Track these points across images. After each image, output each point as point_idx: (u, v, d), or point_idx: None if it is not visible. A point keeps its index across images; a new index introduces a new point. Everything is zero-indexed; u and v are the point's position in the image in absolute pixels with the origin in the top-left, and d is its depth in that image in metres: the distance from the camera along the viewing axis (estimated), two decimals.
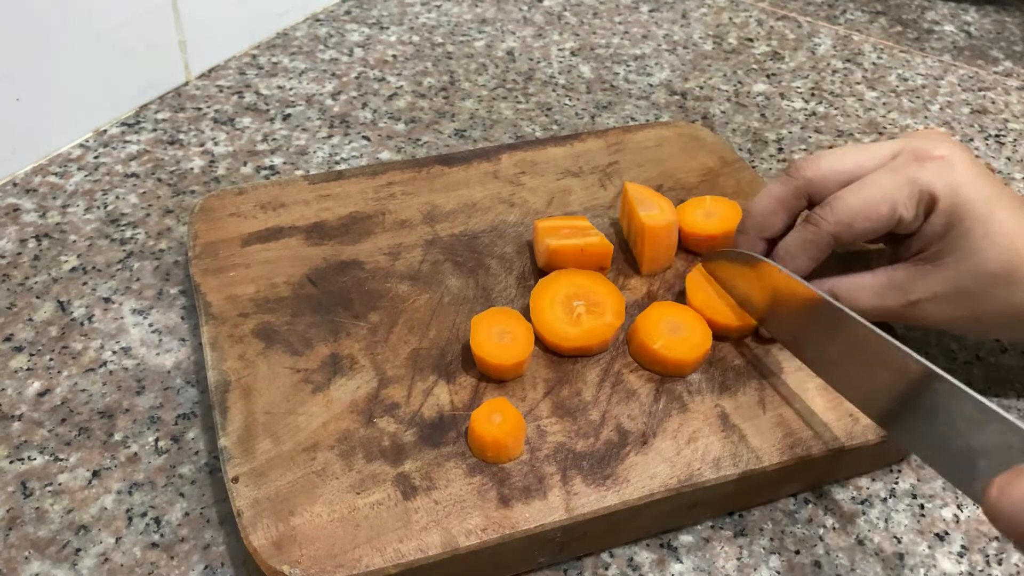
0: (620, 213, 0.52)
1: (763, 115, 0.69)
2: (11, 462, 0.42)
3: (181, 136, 0.62)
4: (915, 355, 0.35)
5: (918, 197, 0.40)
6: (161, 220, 0.55)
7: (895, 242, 0.43)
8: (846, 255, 0.47)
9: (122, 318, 0.49)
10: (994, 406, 0.33)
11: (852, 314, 0.38)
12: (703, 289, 0.46)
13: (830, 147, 0.66)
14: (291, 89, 0.68)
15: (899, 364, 0.36)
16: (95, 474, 0.41)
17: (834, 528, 0.41)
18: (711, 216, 0.50)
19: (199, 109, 0.65)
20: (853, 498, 0.43)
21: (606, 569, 0.39)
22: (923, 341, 0.51)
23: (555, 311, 0.44)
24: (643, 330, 0.43)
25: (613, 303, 0.45)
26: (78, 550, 0.39)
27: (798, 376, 0.44)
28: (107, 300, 0.50)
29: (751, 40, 0.79)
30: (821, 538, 0.41)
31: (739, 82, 0.72)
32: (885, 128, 0.68)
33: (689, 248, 0.50)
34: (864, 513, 0.42)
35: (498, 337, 0.42)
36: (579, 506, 0.38)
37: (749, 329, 0.45)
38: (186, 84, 0.68)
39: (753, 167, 0.62)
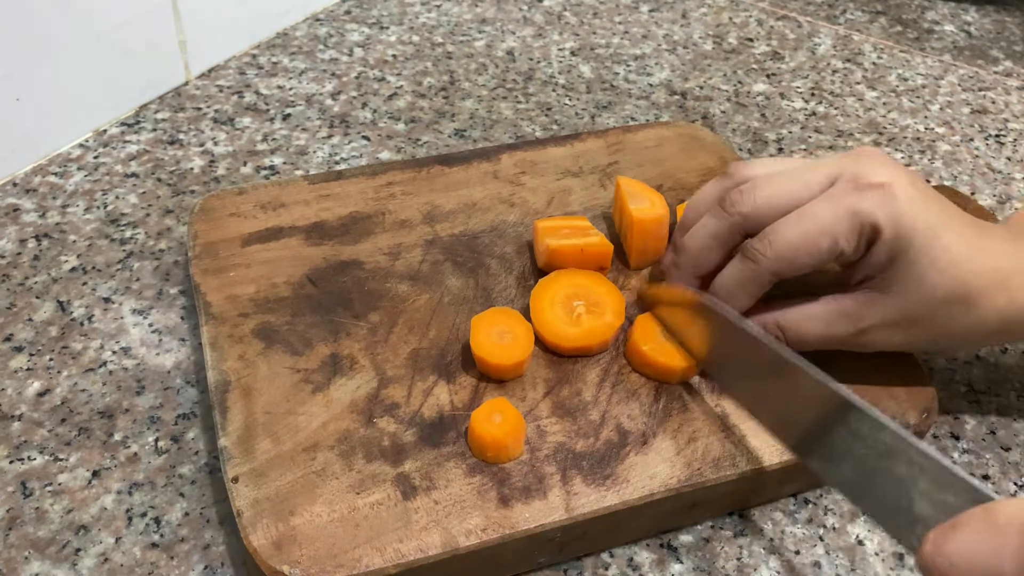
0: (613, 208, 0.52)
1: (763, 115, 0.69)
2: (11, 462, 0.42)
3: (181, 136, 0.62)
4: (852, 396, 0.34)
5: (859, 229, 0.38)
6: (161, 220, 0.55)
7: (841, 265, 0.42)
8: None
9: (122, 318, 0.49)
10: (936, 454, 0.31)
11: (790, 356, 0.37)
12: (652, 332, 0.44)
13: (830, 148, 0.66)
14: (291, 89, 0.68)
15: (836, 406, 0.34)
16: (95, 474, 0.41)
17: (834, 528, 0.41)
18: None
19: (199, 109, 0.65)
20: None
21: (606, 569, 0.39)
22: None
23: (555, 311, 0.44)
24: (639, 331, 0.43)
25: (613, 303, 0.45)
26: (78, 550, 0.39)
27: None
28: (107, 300, 0.50)
29: (751, 40, 0.79)
30: (821, 538, 0.41)
31: (739, 82, 0.72)
32: (885, 128, 0.68)
33: None
34: (864, 513, 0.42)
35: (498, 337, 0.42)
36: (579, 506, 0.38)
37: (691, 372, 0.43)
38: (186, 84, 0.68)
39: None
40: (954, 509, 0.29)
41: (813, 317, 0.41)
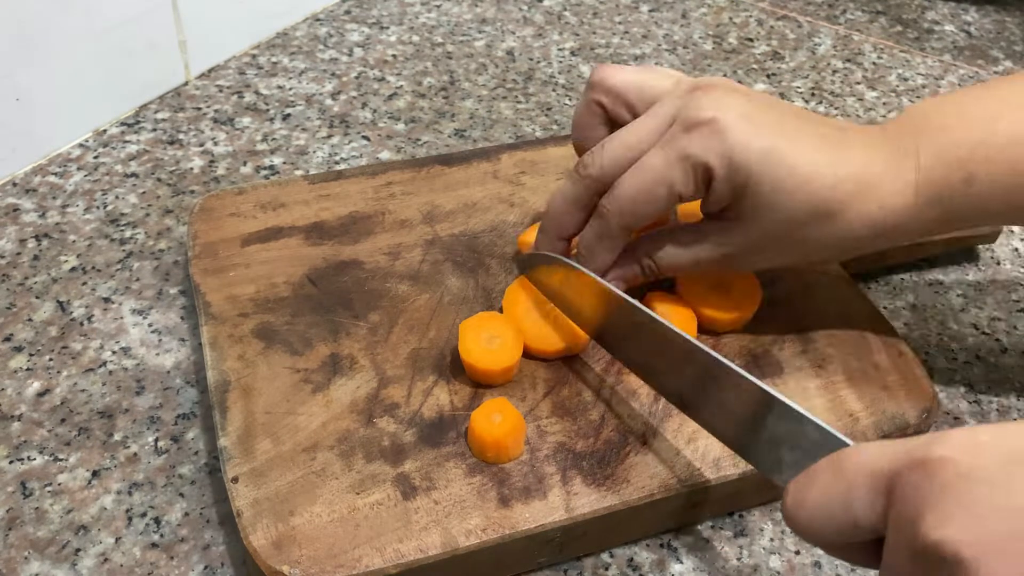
0: None
1: None
2: (11, 462, 0.42)
3: (181, 136, 0.62)
4: (709, 351, 0.35)
5: (692, 172, 0.39)
6: (161, 220, 0.55)
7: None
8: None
9: (122, 318, 0.49)
10: (794, 403, 0.32)
11: (651, 314, 0.38)
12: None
13: None
14: (291, 89, 0.68)
15: (696, 358, 0.36)
16: (95, 474, 0.41)
17: None
18: None
19: (199, 109, 0.65)
20: None
21: (606, 569, 0.39)
22: (922, 341, 0.51)
23: (533, 317, 0.44)
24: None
25: None
26: (78, 550, 0.39)
27: (797, 376, 0.44)
28: (107, 300, 0.50)
29: (751, 40, 0.79)
30: None
31: (739, 82, 0.72)
32: None
33: None
34: None
35: (487, 342, 0.42)
36: (579, 506, 0.38)
37: (579, 347, 0.43)
38: (186, 84, 0.68)
39: None
40: (813, 458, 0.30)
41: (679, 248, 0.42)
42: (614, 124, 0.44)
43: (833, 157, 0.38)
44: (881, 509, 0.27)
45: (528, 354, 0.43)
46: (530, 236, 0.47)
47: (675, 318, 0.44)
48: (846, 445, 0.31)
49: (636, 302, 0.39)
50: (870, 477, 0.27)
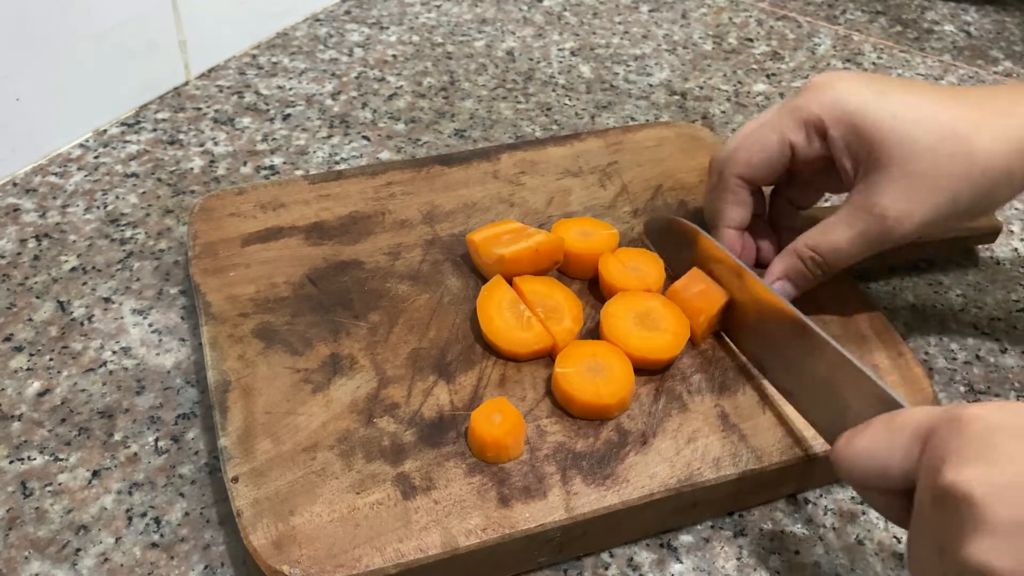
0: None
1: None
2: (11, 462, 0.42)
3: (181, 136, 0.62)
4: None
5: (803, 121, 0.42)
6: (161, 220, 0.55)
7: (812, 187, 0.47)
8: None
9: (122, 318, 0.49)
10: (868, 369, 0.37)
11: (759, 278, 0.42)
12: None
13: None
14: (291, 89, 0.68)
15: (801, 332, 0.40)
16: (95, 474, 0.41)
17: (834, 528, 0.41)
18: (588, 236, 0.48)
19: (199, 109, 0.65)
20: (853, 498, 0.43)
21: (606, 569, 0.39)
22: (922, 341, 0.51)
23: (504, 317, 0.44)
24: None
25: (571, 308, 0.45)
26: (78, 550, 0.39)
27: None
28: (107, 300, 0.50)
29: (751, 40, 0.79)
30: (821, 538, 0.41)
31: (739, 82, 0.72)
32: None
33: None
34: (864, 513, 0.42)
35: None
36: (579, 506, 0.38)
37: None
38: (186, 84, 0.68)
39: None
40: (871, 416, 0.34)
41: (833, 225, 0.43)
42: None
43: (950, 93, 0.41)
44: (916, 456, 0.31)
45: (500, 354, 0.43)
46: (476, 236, 0.47)
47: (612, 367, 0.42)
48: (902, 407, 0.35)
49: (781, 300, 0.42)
50: (914, 429, 0.31)
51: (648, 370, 0.43)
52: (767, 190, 0.49)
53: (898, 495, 0.32)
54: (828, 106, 0.41)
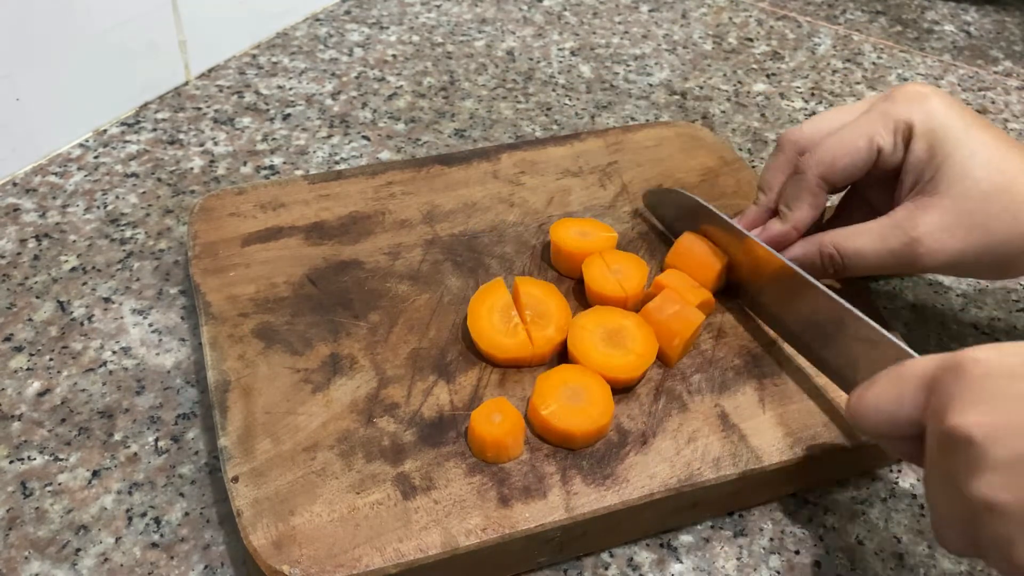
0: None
1: (763, 115, 0.69)
2: (11, 462, 0.42)
3: (181, 136, 0.62)
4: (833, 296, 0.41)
5: (894, 126, 0.42)
6: (161, 220, 0.55)
7: (889, 190, 0.44)
8: None
9: (122, 318, 0.49)
10: (877, 325, 0.38)
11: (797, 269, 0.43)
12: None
13: None
14: (291, 89, 0.68)
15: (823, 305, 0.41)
16: (95, 474, 0.41)
17: (834, 528, 0.41)
18: (585, 236, 0.48)
19: (199, 109, 0.65)
20: (853, 498, 0.43)
21: (606, 569, 0.39)
22: (923, 341, 0.51)
23: (492, 320, 0.44)
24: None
25: (559, 316, 0.44)
26: (78, 550, 0.39)
27: (798, 376, 0.44)
28: (107, 300, 0.50)
29: (751, 40, 0.79)
30: (821, 538, 0.41)
31: (739, 82, 0.72)
32: None
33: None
34: (864, 513, 0.42)
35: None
36: (579, 506, 0.38)
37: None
38: (186, 84, 0.68)
39: (753, 167, 0.62)
40: (882, 367, 0.35)
41: (866, 232, 0.43)
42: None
43: (1011, 146, 0.42)
44: (923, 404, 0.32)
45: (485, 359, 0.43)
46: (560, 228, 0.48)
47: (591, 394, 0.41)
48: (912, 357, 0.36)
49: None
50: (919, 378, 0.32)
51: (614, 388, 0.41)
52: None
53: (912, 440, 0.33)
54: (922, 116, 0.42)
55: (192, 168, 0.60)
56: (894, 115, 0.42)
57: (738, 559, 0.40)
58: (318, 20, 0.77)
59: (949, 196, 0.41)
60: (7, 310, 0.49)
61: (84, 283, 0.51)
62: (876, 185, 0.46)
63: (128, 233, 0.54)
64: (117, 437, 0.43)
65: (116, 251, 0.53)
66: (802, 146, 0.45)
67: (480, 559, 0.37)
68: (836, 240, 0.44)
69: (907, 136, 0.42)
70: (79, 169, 0.59)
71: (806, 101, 0.71)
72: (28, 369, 0.46)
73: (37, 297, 0.50)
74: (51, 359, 0.46)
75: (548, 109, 0.68)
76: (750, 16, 0.82)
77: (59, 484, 0.41)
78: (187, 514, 0.40)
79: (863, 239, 0.43)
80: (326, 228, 0.50)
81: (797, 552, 0.40)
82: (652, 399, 0.42)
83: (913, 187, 0.42)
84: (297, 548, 0.35)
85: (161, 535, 0.39)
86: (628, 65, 0.74)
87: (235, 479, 0.37)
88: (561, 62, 0.74)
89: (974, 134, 0.41)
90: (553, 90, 0.70)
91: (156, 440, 0.43)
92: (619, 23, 0.80)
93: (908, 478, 0.44)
